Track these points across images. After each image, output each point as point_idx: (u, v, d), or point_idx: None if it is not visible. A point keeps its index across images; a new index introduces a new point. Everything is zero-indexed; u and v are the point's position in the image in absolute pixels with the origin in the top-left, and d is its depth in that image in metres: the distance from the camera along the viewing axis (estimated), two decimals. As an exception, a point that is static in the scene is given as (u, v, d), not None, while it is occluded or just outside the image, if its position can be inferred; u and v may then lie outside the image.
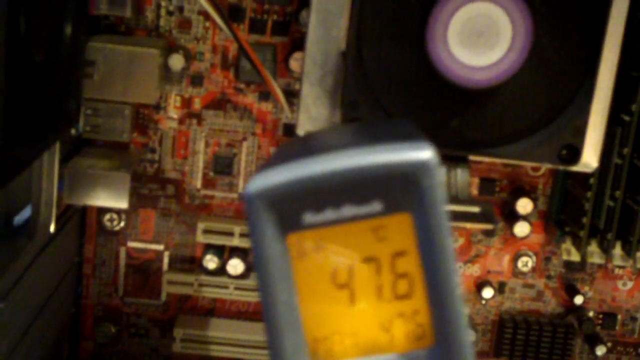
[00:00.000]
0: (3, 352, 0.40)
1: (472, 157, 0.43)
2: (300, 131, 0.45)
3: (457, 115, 0.42)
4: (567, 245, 0.51)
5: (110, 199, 0.48)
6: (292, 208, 0.21)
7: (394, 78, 0.42)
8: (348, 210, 0.21)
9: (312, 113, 0.44)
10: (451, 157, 0.43)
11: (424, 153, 0.21)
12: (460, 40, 0.41)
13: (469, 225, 0.43)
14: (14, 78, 0.32)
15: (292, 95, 0.51)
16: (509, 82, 0.41)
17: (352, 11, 0.42)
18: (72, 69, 0.42)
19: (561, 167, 0.44)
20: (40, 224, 0.46)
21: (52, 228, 0.47)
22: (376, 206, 0.21)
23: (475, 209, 0.41)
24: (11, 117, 0.32)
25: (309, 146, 0.24)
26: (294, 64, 0.50)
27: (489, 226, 0.41)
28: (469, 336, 0.21)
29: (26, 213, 0.47)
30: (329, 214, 0.21)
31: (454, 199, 0.42)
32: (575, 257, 0.51)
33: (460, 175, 0.42)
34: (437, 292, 0.21)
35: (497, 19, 0.41)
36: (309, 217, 0.21)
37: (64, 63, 0.40)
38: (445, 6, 0.40)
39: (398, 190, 0.21)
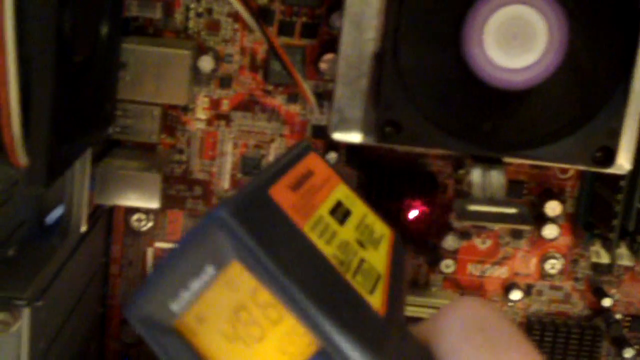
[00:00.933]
0: (41, 349, 0.41)
1: (505, 159, 0.43)
2: (333, 133, 0.45)
3: (491, 117, 0.42)
4: (597, 247, 0.51)
5: (141, 199, 0.49)
6: (158, 308, 0.25)
7: (430, 79, 0.42)
8: (194, 284, 0.24)
9: (345, 114, 0.45)
10: (486, 159, 0.43)
11: (212, 219, 0.24)
12: (496, 42, 0.41)
13: (505, 226, 0.43)
14: (59, 78, 0.32)
15: (320, 97, 0.51)
16: (544, 84, 0.42)
17: (388, 13, 0.42)
18: (108, 69, 0.42)
19: (595, 170, 0.44)
20: (72, 224, 0.46)
21: (83, 228, 0.47)
22: (209, 270, 0.24)
23: (511, 210, 0.41)
24: (57, 117, 0.32)
25: None
26: (324, 66, 0.50)
27: (525, 227, 0.41)
28: (340, 325, 0.25)
29: (56, 213, 0.48)
30: (185, 294, 0.25)
31: (490, 201, 0.42)
32: (604, 259, 0.51)
33: (496, 176, 0.42)
34: (291, 304, 0.24)
35: (532, 21, 0.41)
36: (174, 306, 0.25)
37: (101, 63, 0.40)
38: (481, 9, 0.41)
39: (212, 252, 0.24)
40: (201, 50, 0.51)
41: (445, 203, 0.53)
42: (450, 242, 0.53)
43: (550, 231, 0.52)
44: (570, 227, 0.54)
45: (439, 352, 0.27)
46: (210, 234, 0.24)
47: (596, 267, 0.54)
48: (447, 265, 0.54)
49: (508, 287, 0.54)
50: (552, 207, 0.52)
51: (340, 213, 0.32)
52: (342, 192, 0.34)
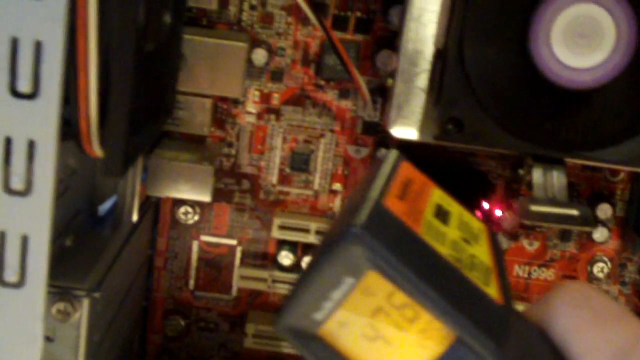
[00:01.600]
0: (96, 342, 0.40)
1: (566, 160, 0.43)
2: (391, 128, 0.45)
3: (555, 117, 0.42)
4: (648, 250, 0.51)
5: (193, 191, 0.48)
6: (304, 318, 0.27)
7: (495, 77, 0.41)
8: (335, 295, 0.27)
9: (404, 111, 0.44)
10: (547, 159, 0.42)
11: (345, 237, 0.27)
12: (563, 41, 0.40)
13: (568, 228, 0.43)
14: (136, 67, 0.32)
15: (372, 94, 0.51)
16: (609, 85, 0.41)
17: (453, 10, 0.42)
18: (171, 59, 0.42)
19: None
20: (125, 215, 0.46)
21: (134, 219, 0.47)
22: (348, 281, 0.27)
23: (573, 212, 0.41)
24: (132, 107, 0.32)
25: None
26: (380, 62, 0.49)
27: (587, 229, 0.41)
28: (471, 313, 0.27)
29: (108, 204, 0.47)
30: (327, 304, 0.27)
31: (551, 202, 0.41)
32: (655, 263, 0.51)
33: (557, 177, 0.42)
34: (427, 303, 0.27)
35: (601, 21, 0.40)
36: (318, 315, 0.27)
37: (165, 53, 0.40)
38: (549, 7, 0.40)
39: (349, 265, 0.27)
40: (254, 43, 0.50)
41: (495, 203, 0.52)
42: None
43: (600, 234, 0.52)
44: (619, 230, 0.53)
45: (552, 332, 0.30)
46: (346, 249, 0.27)
47: (644, 272, 0.54)
48: (507, 276, 0.53)
49: (555, 290, 0.54)
50: (604, 210, 0.51)
51: (442, 215, 0.34)
52: (438, 195, 0.36)
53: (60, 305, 0.38)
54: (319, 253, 0.28)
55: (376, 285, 0.27)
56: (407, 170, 0.38)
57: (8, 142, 0.29)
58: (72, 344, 0.38)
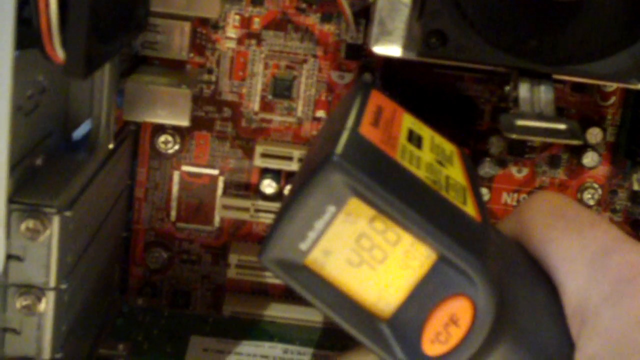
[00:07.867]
0: (68, 264, 0.39)
1: (554, 76, 0.42)
2: (374, 46, 0.43)
3: (542, 30, 0.40)
4: (639, 175, 0.50)
5: (171, 116, 0.47)
6: (289, 249, 0.28)
7: (479, -13, 0.40)
8: (318, 224, 0.27)
9: (387, 27, 0.43)
10: (534, 74, 0.41)
11: (325, 167, 0.27)
12: (550, -52, 0.39)
13: (554, 141, 0.42)
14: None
15: (356, 16, 0.49)
16: (598, -5, 0.40)
17: None
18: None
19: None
20: (100, 139, 0.45)
21: (110, 145, 0.46)
22: (330, 209, 0.27)
23: (561, 126, 0.40)
24: (94, 10, 0.31)
25: None
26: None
27: (576, 142, 0.39)
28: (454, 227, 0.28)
29: (83, 128, 0.46)
30: (311, 234, 0.28)
31: (539, 116, 0.40)
32: (646, 187, 0.49)
33: (544, 92, 0.41)
34: (409, 224, 0.27)
35: None
36: (303, 245, 0.28)
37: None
38: None
39: (331, 193, 0.27)
40: (233, -37, 0.49)
41: (482, 129, 0.51)
42: (486, 169, 0.51)
43: (590, 159, 0.50)
44: (610, 156, 0.52)
45: (529, 244, 0.30)
46: (328, 178, 0.27)
47: (635, 199, 0.52)
48: (482, 194, 0.52)
49: (544, 217, 0.53)
50: (594, 134, 0.50)
51: (415, 139, 0.35)
52: (409, 120, 0.37)
53: (30, 223, 0.36)
54: (299, 183, 0.29)
55: (358, 212, 0.28)
56: (378, 98, 0.39)
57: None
58: (42, 263, 0.37)
